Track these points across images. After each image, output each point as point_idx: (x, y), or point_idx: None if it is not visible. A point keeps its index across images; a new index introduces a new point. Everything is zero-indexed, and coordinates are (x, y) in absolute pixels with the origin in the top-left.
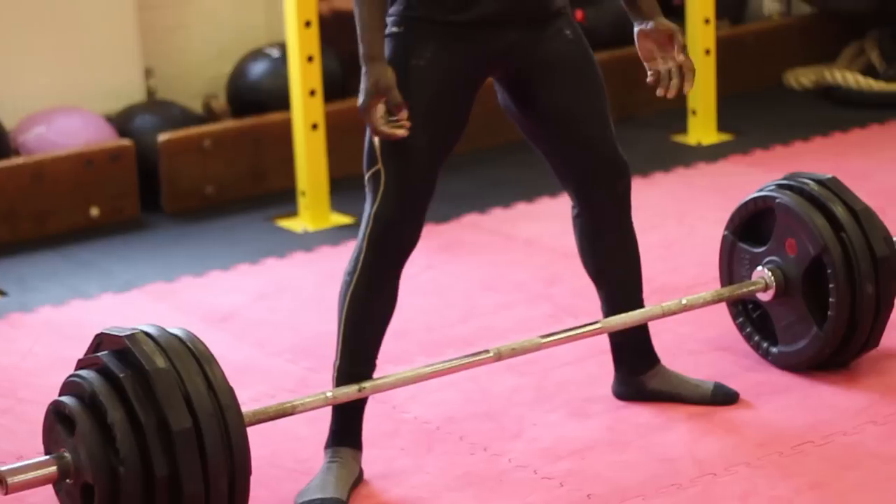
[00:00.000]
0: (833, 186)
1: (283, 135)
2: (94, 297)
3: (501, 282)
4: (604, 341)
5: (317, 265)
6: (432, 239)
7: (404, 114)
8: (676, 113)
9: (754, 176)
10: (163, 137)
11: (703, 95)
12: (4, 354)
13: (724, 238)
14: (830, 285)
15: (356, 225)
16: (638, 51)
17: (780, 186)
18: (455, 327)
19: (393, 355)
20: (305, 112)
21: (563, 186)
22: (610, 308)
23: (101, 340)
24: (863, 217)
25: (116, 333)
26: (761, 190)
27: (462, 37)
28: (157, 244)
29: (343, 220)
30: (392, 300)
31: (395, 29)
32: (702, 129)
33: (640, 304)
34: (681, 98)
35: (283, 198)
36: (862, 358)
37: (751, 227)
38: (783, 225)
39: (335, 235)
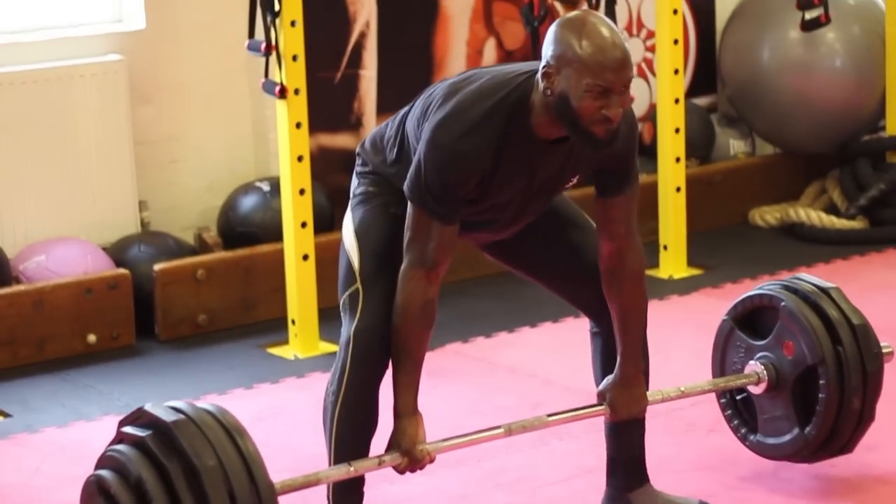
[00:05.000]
0: (836, 297)
1: (273, 266)
2: (95, 419)
3: (487, 406)
4: (591, 460)
5: (309, 390)
6: None
7: (430, 459)
8: (648, 247)
9: (725, 308)
10: (158, 267)
11: (673, 231)
12: (13, 472)
13: (724, 322)
14: (820, 395)
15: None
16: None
17: (786, 288)
18: None
19: (388, 472)
20: (297, 243)
21: (581, 310)
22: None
23: (140, 416)
24: (860, 332)
25: (162, 417)
26: (768, 287)
27: None
28: (152, 370)
29: (332, 347)
30: (376, 412)
31: (371, 189)
32: (673, 263)
33: (643, 421)
34: (650, 233)
35: (273, 326)
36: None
37: (751, 318)
38: (784, 327)
39: (325, 362)
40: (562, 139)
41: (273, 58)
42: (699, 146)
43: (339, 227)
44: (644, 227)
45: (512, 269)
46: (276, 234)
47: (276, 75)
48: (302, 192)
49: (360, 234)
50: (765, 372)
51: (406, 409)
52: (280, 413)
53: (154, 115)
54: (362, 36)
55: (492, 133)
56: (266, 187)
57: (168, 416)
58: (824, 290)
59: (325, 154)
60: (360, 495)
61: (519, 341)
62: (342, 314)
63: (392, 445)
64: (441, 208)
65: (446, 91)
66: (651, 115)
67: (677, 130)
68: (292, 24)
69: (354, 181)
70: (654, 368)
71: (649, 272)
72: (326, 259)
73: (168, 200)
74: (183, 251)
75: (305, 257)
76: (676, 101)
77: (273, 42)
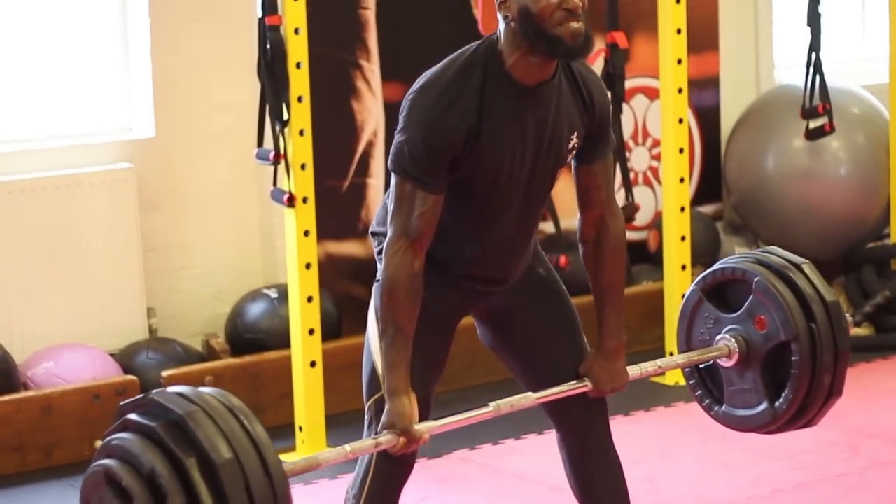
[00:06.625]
0: (808, 273)
1: (281, 372)
2: None
3: None
4: None
5: (316, 497)
6: (425, 472)
7: (423, 440)
8: (653, 355)
9: None
10: (166, 373)
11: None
12: None
13: (692, 293)
14: (793, 371)
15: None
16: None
17: (758, 262)
18: None
19: None
20: (305, 350)
21: (546, 414)
22: None
23: (146, 403)
24: (832, 309)
25: (173, 407)
26: (737, 260)
27: (452, 283)
28: None
29: None
30: None
31: None
32: (679, 371)
33: None
34: (657, 340)
35: (281, 433)
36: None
37: (720, 290)
38: (757, 301)
39: (333, 469)
40: (543, 83)
41: (282, 166)
42: (705, 254)
43: (347, 335)
44: (650, 334)
45: (499, 349)
46: (283, 341)
47: (284, 184)
48: (310, 299)
49: None
50: (736, 345)
51: (399, 388)
52: None
53: (163, 223)
54: (370, 145)
55: (471, 83)
56: (274, 294)
57: (179, 407)
58: (797, 266)
59: (333, 262)
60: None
61: (526, 448)
62: (367, 416)
63: (388, 425)
64: (424, 175)
65: (418, 79)
66: (657, 223)
67: (683, 238)
68: (301, 133)
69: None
70: (662, 475)
71: (655, 379)
72: (334, 366)
73: (176, 307)
74: (191, 358)
75: (313, 364)
76: (682, 209)
77: (282, 151)
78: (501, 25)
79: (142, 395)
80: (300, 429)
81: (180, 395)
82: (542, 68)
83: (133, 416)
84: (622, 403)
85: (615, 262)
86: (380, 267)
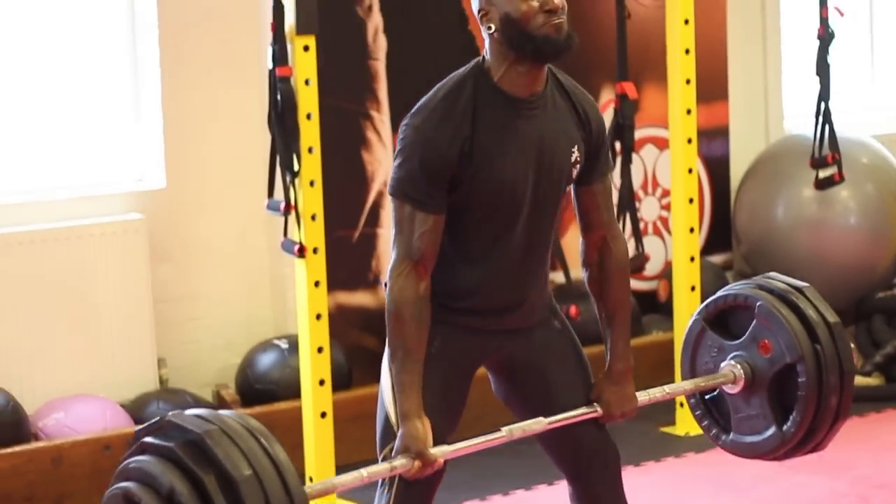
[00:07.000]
0: (810, 296)
1: (291, 423)
2: None
3: None
4: None
5: None
6: None
7: (438, 464)
8: (664, 405)
9: (742, 464)
10: None
11: None
12: None
13: (694, 323)
14: (800, 393)
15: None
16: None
17: (760, 287)
18: None
19: None
20: (315, 401)
21: (558, 468)
22: None
23: (163, 426)
24: (835, 331)
25: (191, 427)
26: (739, 287)
27: (464, 327)
28: None
29: None
30: None
31: None
32: (689, 420)
33: None
34: None
35: None
36: None
37: (723, 318)
38: (760, 326)
39: None
40: (534, 94)
41: (292, 217)
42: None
43: (358, 385)
44: (660, 383)
45: (512, 401)
46: (294, 392)
47: (295, 234)
48: (320, 350)
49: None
50: (741, 371)
51: (412, 410)
52: None
53: (173, 274)
54: (380, 195)
55: (461, 99)
56: (284, 345)
57: (197, 426)
58: (798, 289)
59: (344, 312)
60: None
61: (536, 499)
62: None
63: (402, 449)
64: (422, 195)
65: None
66: (667, 273)
67: (693, 288)
68: (311, 183)
69: None
70: None
71: (666, 429)
72: (344, 416)
73: (187, 358)
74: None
75: (323, 415)
76: (692, 259)
77: (292, 201)
78: (487, 42)
79: (157, 419)
80: (310, 479)
81: (197, 416)
82: (530, 77)
83: (149, 439)
84: (632, 454)
85: (620, 283)
86: None
